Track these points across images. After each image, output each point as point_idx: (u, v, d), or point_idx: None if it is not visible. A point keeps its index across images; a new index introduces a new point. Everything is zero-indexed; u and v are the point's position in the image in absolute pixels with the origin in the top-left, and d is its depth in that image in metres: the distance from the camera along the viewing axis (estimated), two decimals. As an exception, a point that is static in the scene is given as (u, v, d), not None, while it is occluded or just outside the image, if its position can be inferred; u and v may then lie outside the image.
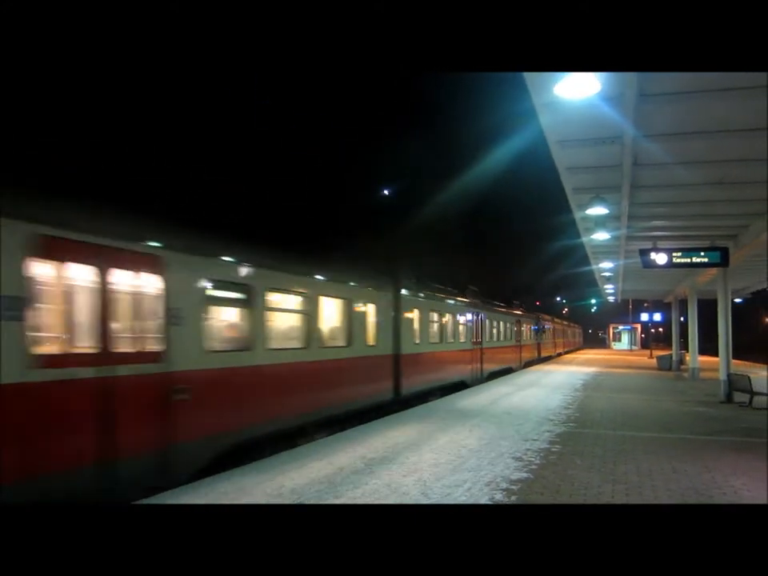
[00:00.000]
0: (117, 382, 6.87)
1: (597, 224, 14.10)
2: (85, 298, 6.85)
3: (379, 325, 14.48)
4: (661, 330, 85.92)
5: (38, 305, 6.25)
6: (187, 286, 8.20)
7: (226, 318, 9.87)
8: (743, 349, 44.31)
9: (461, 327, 21.86)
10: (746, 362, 38.70)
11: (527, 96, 7.47)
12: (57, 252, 6.47)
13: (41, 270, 6.31)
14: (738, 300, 37.89)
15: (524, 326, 34.50)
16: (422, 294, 17.91)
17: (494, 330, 27.23)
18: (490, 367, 25.31)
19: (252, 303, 9.54)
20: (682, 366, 32.94)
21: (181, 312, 7.94)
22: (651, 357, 45.71)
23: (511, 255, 76.07)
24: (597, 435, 11.28)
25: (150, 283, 7.60)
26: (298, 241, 14.30)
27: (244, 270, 9.48)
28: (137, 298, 7.42)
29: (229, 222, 11.79)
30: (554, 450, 9.85)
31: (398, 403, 15.22)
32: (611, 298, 44.91)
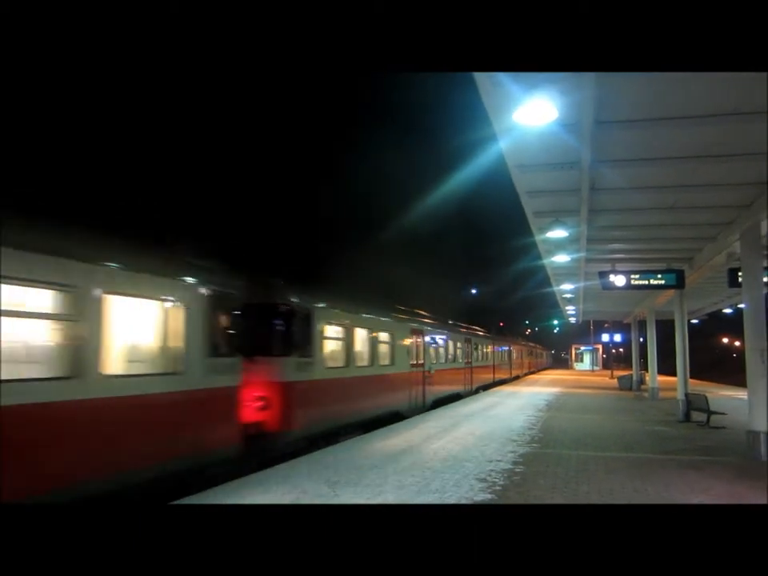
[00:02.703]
0: None
1: (557, 247, 14.40)
2: None
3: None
4: (621, 350, 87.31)
5: None
6: None
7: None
8: (701, 368, 45.35)
9: (397, 348, 18.30)
10: (703, 382, 39.56)
11: (488, 121, 7.65)
12: None
13: None
14: (694, 321, 38.77)
15: (478, 346, 32.88)
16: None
17: (440, 351, 24.35)
18: (434, 393, 22.31)
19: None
20: (642, 386, 33.45)
21: None
22: (612, 377, 46.29)
23: (473, 276, 76.85)
24: (559, 455, 11.39)
25: None
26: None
27: None
28: None
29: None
30: (517, 470, 9.90)
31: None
32: (573, 319, 45.58)
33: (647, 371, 30.84)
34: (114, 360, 7.91)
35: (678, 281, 15.57)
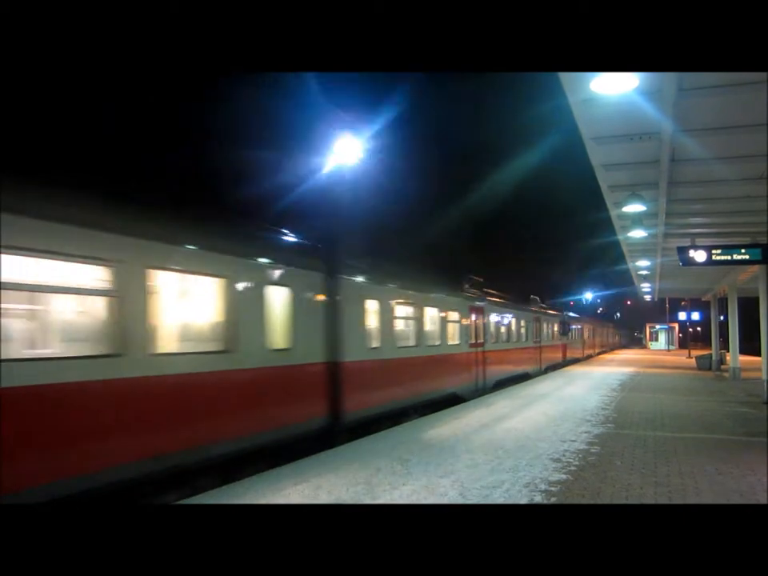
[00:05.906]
0: None
1: (633, 222, 13.88)
2: None
3: None
4: (699, 329, 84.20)
5: None
6: None
7: None
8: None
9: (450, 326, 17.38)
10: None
11: (561, 92, 7.39)
12: None
13: None
14: (780, 298, 36.87)
15: (546, 324, 32.36)
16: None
17: (502, 329, 23.75)
18: (495, 374, 21.58)
19: None
20: (722, 366, 32.25)
21: None
22: (690, 357, 44.79)
23: (543, 254, 75.50)
24: (636, 436, 11.10)
25: None
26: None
27: None
28: None
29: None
30: (592, 451, 9.72)
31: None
32: (647, 297, 44.19)
33: (727, 351, 29.67)
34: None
35: (764, 256, 14.72)
